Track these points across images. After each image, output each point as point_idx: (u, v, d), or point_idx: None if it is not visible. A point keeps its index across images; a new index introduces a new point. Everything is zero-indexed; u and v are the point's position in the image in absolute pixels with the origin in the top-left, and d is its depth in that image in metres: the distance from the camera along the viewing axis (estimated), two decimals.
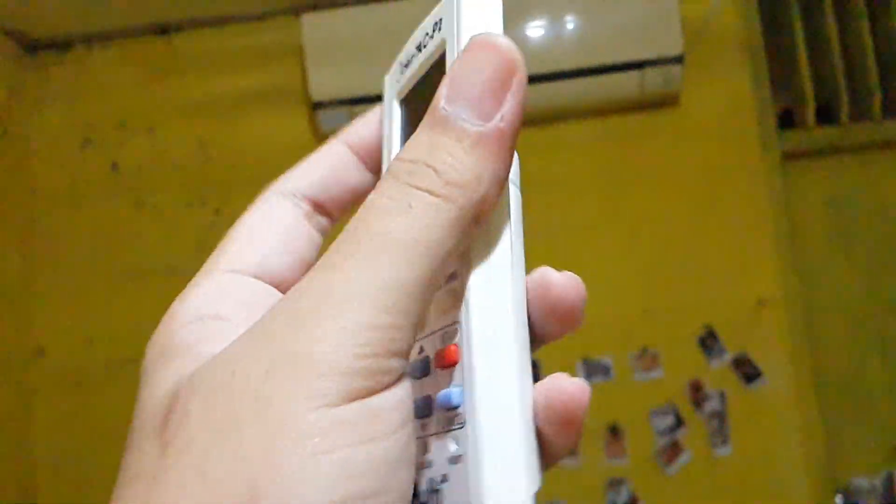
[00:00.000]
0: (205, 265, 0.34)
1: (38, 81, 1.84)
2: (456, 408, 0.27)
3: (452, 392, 0.27)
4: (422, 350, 0.30)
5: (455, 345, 0.28)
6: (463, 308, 0.28)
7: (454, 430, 0.28)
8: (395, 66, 0.35)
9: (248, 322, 0.29)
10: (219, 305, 0.31)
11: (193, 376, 0.26)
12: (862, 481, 1.67)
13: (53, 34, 1.82)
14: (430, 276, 0.26)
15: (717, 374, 1.65)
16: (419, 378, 0.30)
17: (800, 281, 1.69)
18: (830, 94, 1.75)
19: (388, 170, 0.27)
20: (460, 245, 0.27)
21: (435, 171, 0.26)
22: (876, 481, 1.67)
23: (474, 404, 0.27)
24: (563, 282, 0.30)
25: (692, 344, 1.65)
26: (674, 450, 1.63)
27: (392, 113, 0.35)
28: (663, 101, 1.71)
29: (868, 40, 1.73)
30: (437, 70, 0.31)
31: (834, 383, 1.70)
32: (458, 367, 0.28)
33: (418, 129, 0.27)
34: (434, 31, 0.32)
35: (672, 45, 1.61)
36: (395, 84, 0.35)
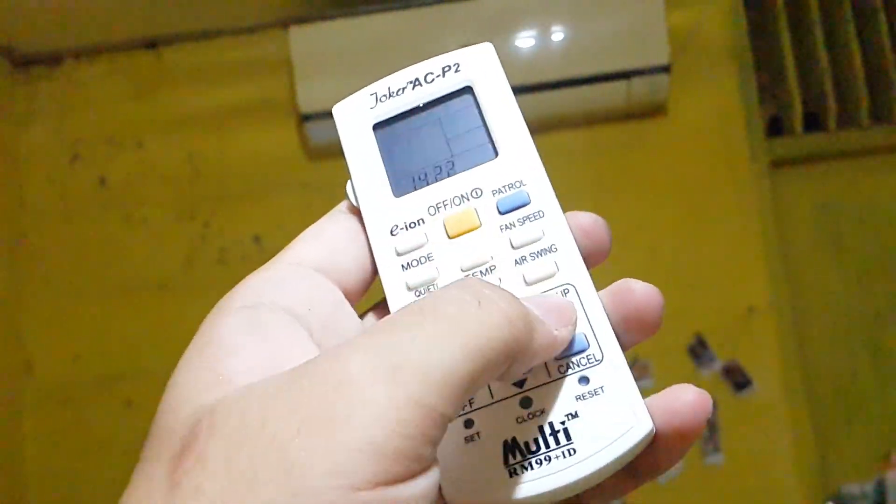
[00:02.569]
0: (271, 260, 0.34)
1: (27, 96, 1.84)
2: (583, 351, 0.32)
3: (577, 337, 0.32)
4: None
5: (570, 302, 0.33)
6: (571, 279, 0.34)
7: (587, 368, 0.32)
8: (363, 97, 0.39)
9: (311, 319, 0.31)
10: (280, 293, 0.31)
11: (219, 409, 0.25)
12: (853, 488, 1.67)
13: (42, 49, 1.82)
14: (477, 377, 0.26)
15: (707, 382, 1.65)
16: None
17: (789, 288, 1.69)
18: (818, 101, 1.76)
19: (460, 281, 0.29)
20: (502, 366, 0.28)
21: (508, 300, 0.28)
22: (867, 487, 1.67)
23: (607, 342, 0.32)
24: (644, 289, 0.33)
25: (682, 353, 1.66)
26: None
27: (363, 138, 0.39)
28: (651, 111, 1.71)
29: (855, 47, 1.74)
30: (439, 103, 0.39)
31: (825, 390, 1.71)
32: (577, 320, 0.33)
33: None
34: (446, 73, 0.39)
35: (659, 54, 1.61)
36: (365, 111, 0.39)
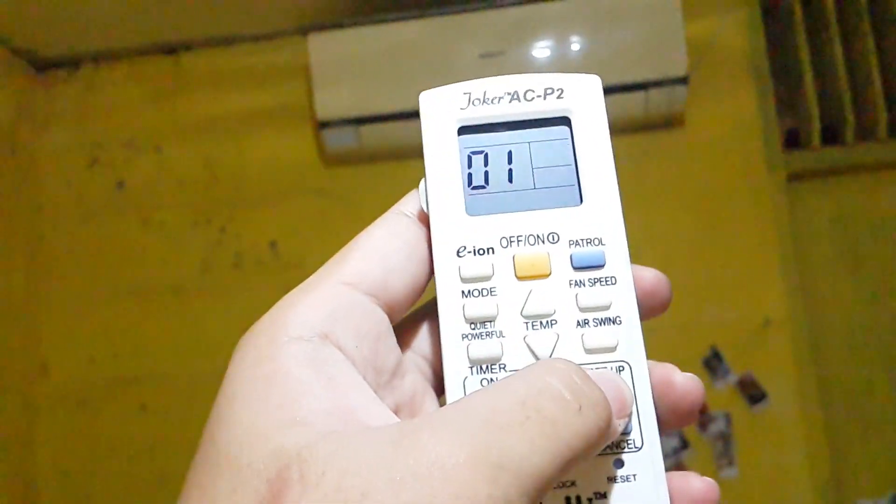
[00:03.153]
0: (321, 271, 0.33)
1: (47, 100, 1.85)
2: (626, 434, 0.32)
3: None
4: None
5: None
6: (627, 358, 0.33)
7: (624, 452, 0.32)
8: (455, 93, 0.37)
9: (356, 357, 0.31)
10: (332, 325, 0.31)
11: (309, 459, 0.25)
12: (867, 503, 1.66)
13: (62, 53, 1.83)
14: (557, 477, 0.27)
15: (722, 395, 1.64)
16: None
17: (805, 301, 1.68)
18: (836, 114, 1.75)
19: (556, 365, 0.30)
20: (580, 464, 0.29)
21: (603, 404, 0.29)
22: (882, 503, 1.65)
23: (649, 430, 0.32)
24: (685, 383, 0.33)
25: (697, 365, 1.65)
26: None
27: (446, 138, 0.37)
28: (668, 122, 1.71)
29: (874, 60, 1.73)
30: (533, 125, 0.37)
31: (840, 404, 1.70)
32: None
33: None
34: (547, 95, 0.37)
35: (677, 65, 1.61)
36: (454, 109, 0.37)
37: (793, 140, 1.78)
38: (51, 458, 1.73)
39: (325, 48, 1.66)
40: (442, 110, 0.37)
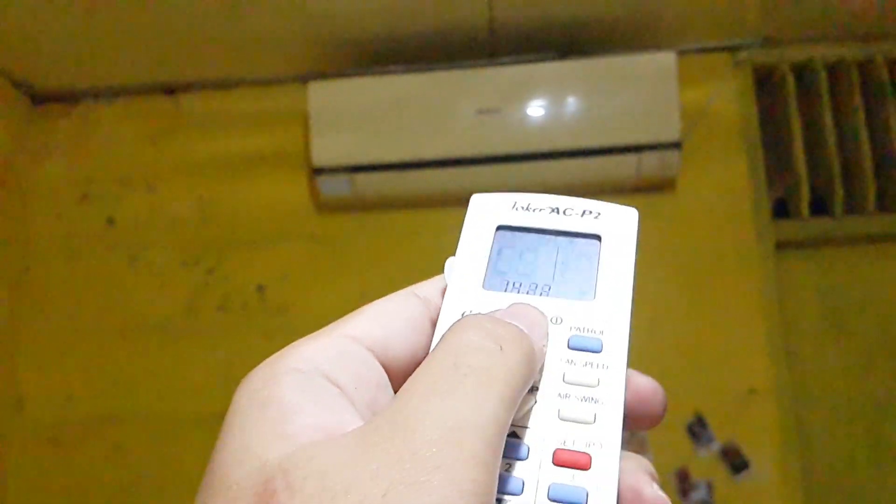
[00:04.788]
0: (326, 328, 0.35)
1: (42, 133, 1.86)
2: None
3: (581, 493, 0.31)
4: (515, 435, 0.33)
5: (589, 455, 0.32)
6: (601, 437, 0.33)
7: None
8: (504, 199, 0.41)
9: (356, 398, 0.32)
10: (332, 366, 0.32)
11: (291, 469, 0.26)
12: None
13: (60, 87, 1.84)
14: (511, 416, 0.29)
15: (704, 462, 1.63)
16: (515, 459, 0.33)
17: (790, 371, 1.68)
18: (825, 185, 1.77)
19: (467, 321, 0.32)
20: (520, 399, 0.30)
21: (521, 337, 0.32)
22: None
23: None
24: (646, 385, 0.35)
25: (681, 431, 1.64)
26: None
27: (484, 230, 0.40)
28: (659, 186, 1.72)
29: (864, 133, 1.75)
30: (566, 235, 0.40)
31: (822, 477, 1.68)
32: (587, 473, 0.32)
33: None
34: (585, 215, 0.41)
35: (670, 130, 1.62)
36: (498, 211, 0.40)
37: (781, 209, 1.79)
38: (20, 494, 1.70)
39: (324, 96, 1.68)
40: (487, 210, 0.41)
